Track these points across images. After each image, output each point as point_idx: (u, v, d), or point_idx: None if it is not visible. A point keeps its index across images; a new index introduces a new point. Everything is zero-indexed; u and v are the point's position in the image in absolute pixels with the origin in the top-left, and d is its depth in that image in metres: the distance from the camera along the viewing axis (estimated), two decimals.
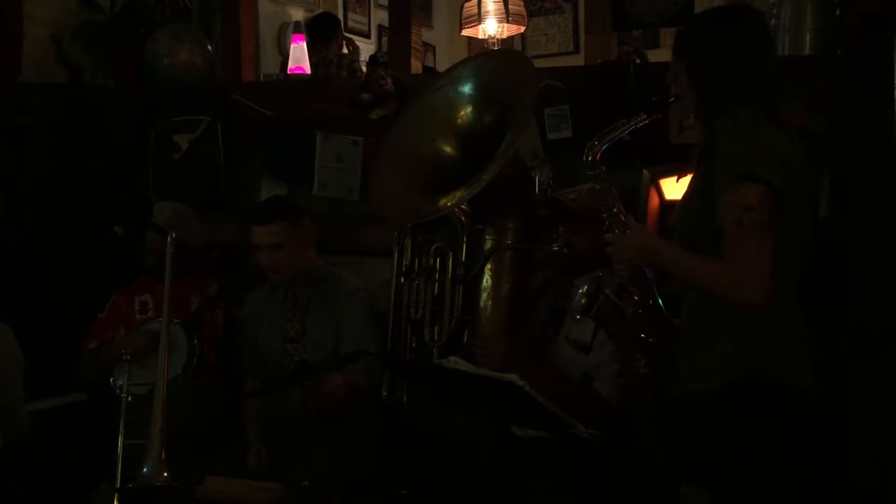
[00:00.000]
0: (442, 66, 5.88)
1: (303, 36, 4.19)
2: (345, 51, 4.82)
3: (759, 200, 1.82)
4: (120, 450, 2.07)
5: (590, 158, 2.08)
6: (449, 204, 2.47)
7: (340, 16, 5.65)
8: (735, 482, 1.89)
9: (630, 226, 2.08)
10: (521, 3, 4.92)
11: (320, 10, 5.38)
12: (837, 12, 2.85)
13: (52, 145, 3.64)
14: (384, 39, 5.91)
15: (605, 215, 2.09)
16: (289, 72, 4.04)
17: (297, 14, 5.26)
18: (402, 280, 2.76)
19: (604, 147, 2.07)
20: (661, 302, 2.06)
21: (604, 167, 2.09)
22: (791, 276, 1.93)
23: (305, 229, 2.91)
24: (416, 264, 2.73)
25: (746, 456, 1.87)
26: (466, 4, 4.82)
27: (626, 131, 2.07)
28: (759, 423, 1.87)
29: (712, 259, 1.87)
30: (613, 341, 2.21)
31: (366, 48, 5.99)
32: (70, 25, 3.87)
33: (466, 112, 2.60)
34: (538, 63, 2.80)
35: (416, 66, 3.84)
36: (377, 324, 2.82)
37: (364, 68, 4.80)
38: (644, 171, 2.80)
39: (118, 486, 2.02)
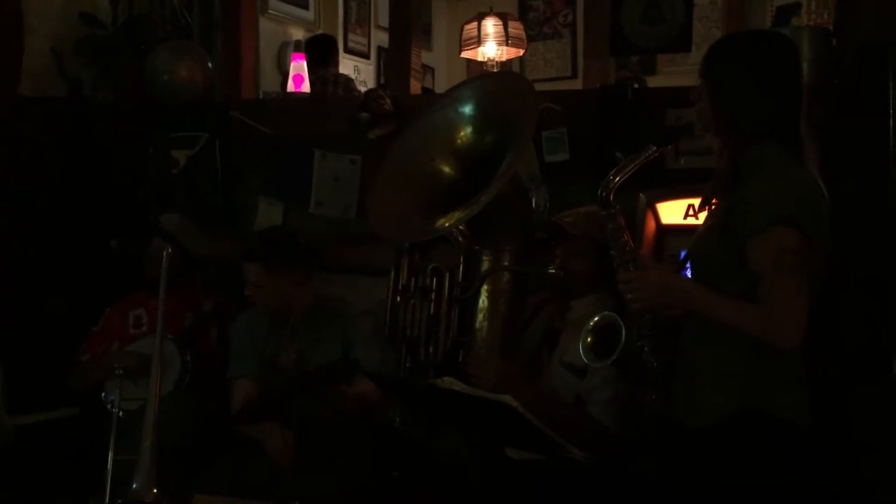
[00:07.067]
0: (441, 88, 5.92)
1: (303, 55, 4.21)
2: None
3: (795, 244, 1.80)
4: (110, 465, 2.05)
5: (604, 195, 2.06)
6: (447, 224, 2.47)
7: (340, 37, 5.68)
8: None
9: (641, 262, 2.05)
10: (521, 27, 4.96)
11: (321, 31, 5.41)
12: (834, 42, 2.89)
13: (50, 158, 3.64)
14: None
15: (614, 252, 2.07)
16: (291, 88, 4.04)
17: (298, 34, 5.29)
18: (399, 299, 2.75)
19: (619, 184, 2.05)
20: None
21: (618, 206, 2.08)
22: None
23: (291, 273, 2.82)
24: (413, 284, 2.73)
25: (742, 491, 1.85)
26: (466, 27, 4.85)
27: (639, 165, 2.04)
28: (754, 458, 1.85)
29: (748, 303, 1.83)
30: (629, 380, 2.15)
31: (366, 69, 6.02)
32: (71, 39, 3.87)
33: (466, 133, 2.59)
34: (536, 87, 2.80)
35: (415, 87, 3.86)
36: (386, 343, 2.78)
37: (361, 90, 4.84)
38: (640, 194, 2.81)
39: (107, 501, 2.01)
